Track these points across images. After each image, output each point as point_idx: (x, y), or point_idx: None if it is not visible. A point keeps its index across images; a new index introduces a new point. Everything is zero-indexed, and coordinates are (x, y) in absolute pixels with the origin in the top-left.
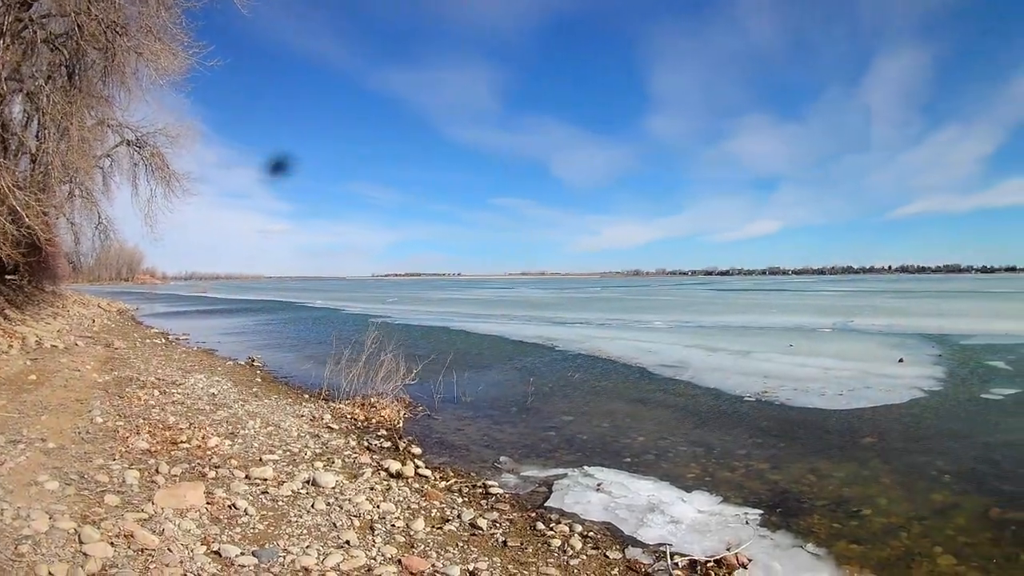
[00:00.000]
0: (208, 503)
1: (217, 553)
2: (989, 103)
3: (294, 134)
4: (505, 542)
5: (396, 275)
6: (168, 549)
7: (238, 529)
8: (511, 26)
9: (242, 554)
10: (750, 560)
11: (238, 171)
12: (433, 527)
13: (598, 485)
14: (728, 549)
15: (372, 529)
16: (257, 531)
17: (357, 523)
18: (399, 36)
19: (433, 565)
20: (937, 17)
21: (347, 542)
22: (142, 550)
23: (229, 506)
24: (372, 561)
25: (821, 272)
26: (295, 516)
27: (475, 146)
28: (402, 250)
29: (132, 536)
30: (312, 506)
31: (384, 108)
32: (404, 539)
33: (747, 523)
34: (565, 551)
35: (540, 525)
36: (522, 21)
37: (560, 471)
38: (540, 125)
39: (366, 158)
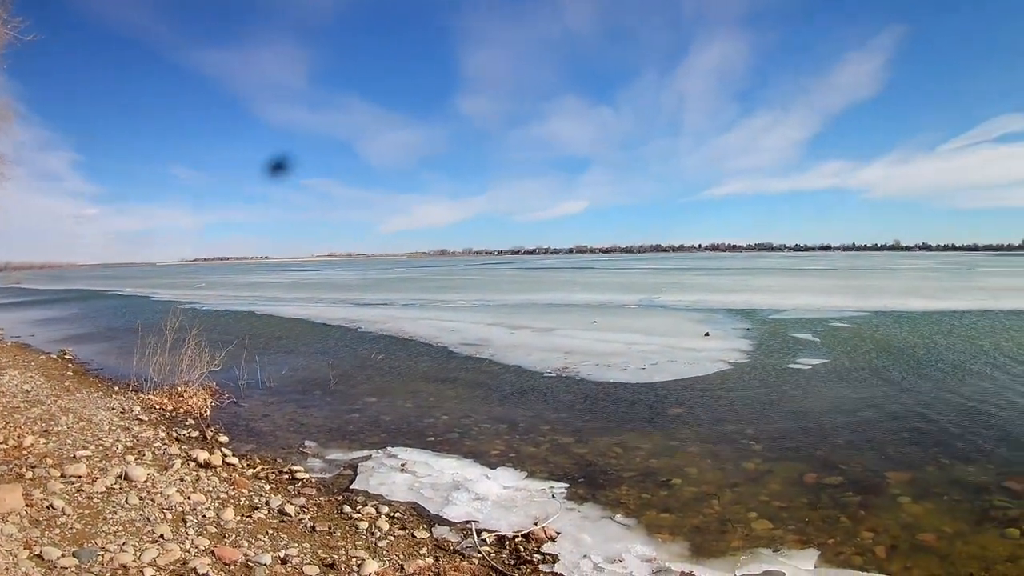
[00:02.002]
0: (27, 505)
1: (40, 556)
2: (807, 92)
3: (109, 113)
4: (314, 527)
5: (206, 260)
6: None
7: (57, 530)
8: (325, 3)
9: (63, 556)
10: (558, 533)
11: (53, 153)
12: (243, 516)
13: (402, 465)
14: (535, 523)
15: (184, 521)
16: (75, 531)
17: (170, 516)
18: (217, 12)
19: (245, 554)
20: (759, 8)
21: (161, 536)
22: None
23: (47, 507)
24: (186, 554)
25: (629, 251)
26: (110, 513)
27: (286, 125)
28: (213, 233)
29: None
30: (126, 501)
31: (199, 86)
32: (215, 529)
33: (553, 497)
34: (373, 533)
35: (347, 508)
36: None
37: (365, 453)
38: (350, 105)
39: (178, 139)
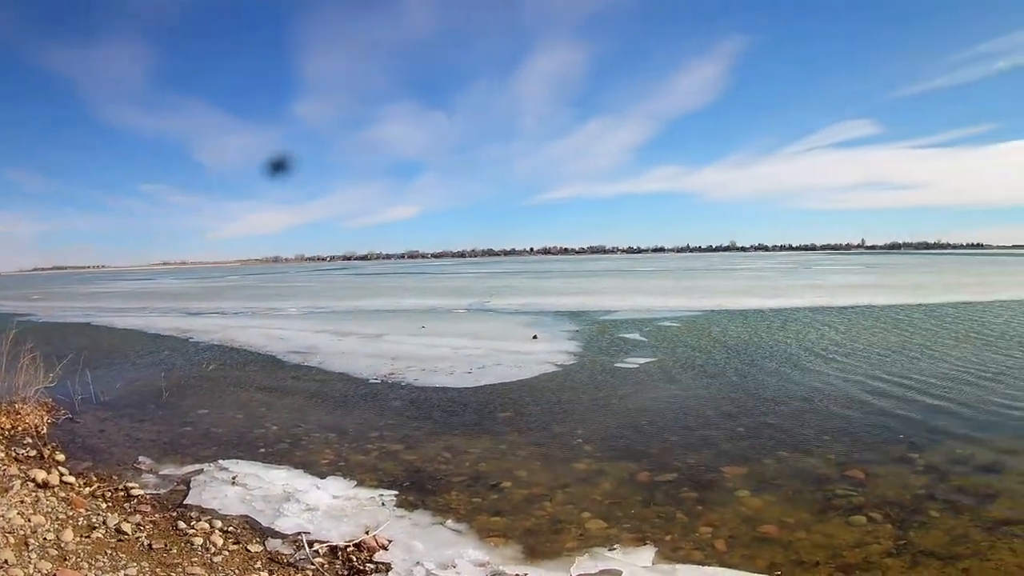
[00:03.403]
0: None
1: None
2: (644, 98)
3: None
4: (151, 545)
5: (44, 269)
6: None
7: None
8: (166, 1)
9: None
10: (390, 541)
11: None
12: (82, 536)
13: (233, 478)
14: (367, 532)
15: (27, 544)
16: None
17: (12, 540)
18: (60, 5)
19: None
20: (600, 16)
21: (5, 561)
22: None
23: None
24: None
25: (461, 255)
26: None
27: (124, 127)
28: (52, 242)
29: None
30: None
31: (41, 85)
32: (56, 552)
33: (384, 505)
34: (208, 549)
35: (182, 524)
36: None
37: (197, 467)
38: (189, 107)
39: (16, 141)
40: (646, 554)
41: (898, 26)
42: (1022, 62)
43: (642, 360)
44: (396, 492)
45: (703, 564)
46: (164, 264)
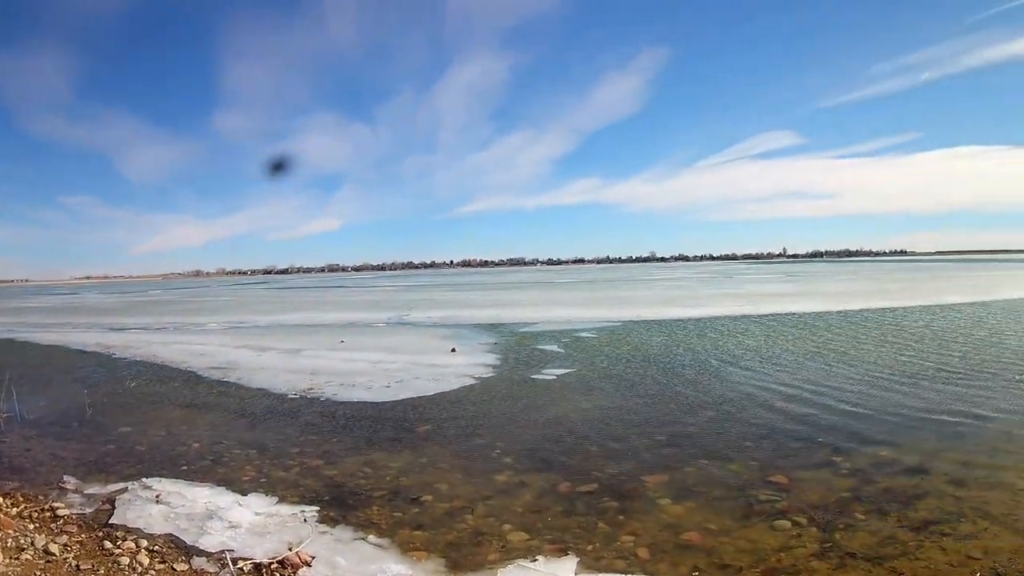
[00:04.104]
0: None
1: None
2: (564, 111)
3: None
4: (79, 566)
5: None
6: None
7: None
8: (97, 9)
9: None
10: (313, 557)
11: None
12: (11, 558)
13: (157, 496)
14: (290, 549)
15: None
16: None
17: None
18: None
19: None
20: (522, 29)
21: None
22: None
23: None
24: None
25: (381, 268)
26: None
27: (47, 138)
28: None
29: None
30: None
31: None
32: None
33: (306, 521)
34: (135, 568)
35: (108, 544)
36: (104, 3)
37: (122, 485)
38: (112, 118)
39: None
40: (568, 564)
41: (821, 38)
42: (947, 73)
43: (560, 371)
44: (318, 508)
45: (626, 573)
46: (88, 278)
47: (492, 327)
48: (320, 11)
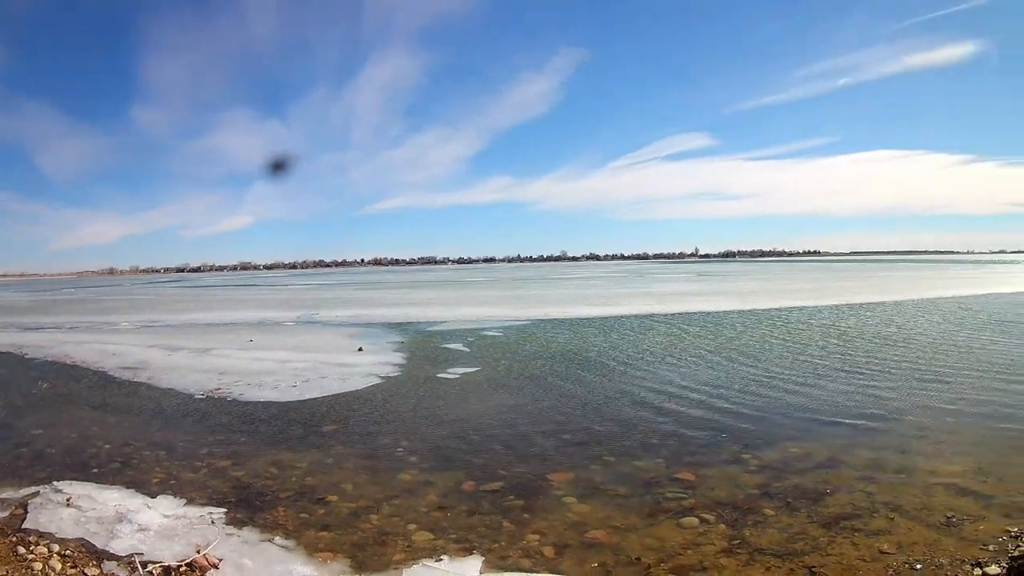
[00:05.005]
0: None
1: None
2: (478, 110)
3: None
4: None
5: None
6: None
7: None
8: None
9: None
10: (220, 560)
11: None
12: None
13: (68, 500)
14: (198, 551)
15: None
16: None
17: None
18: None
19: None
20: (438, 28)
21: None
22: None
23: None
24: None
25: (293, 266)
26: None
27: None
28: None
29: None
30: None
31: None
32: None
33: (213, 523)
34: (47, 573)
35: (21, 549)
36: None
37: (34, 489)
38: (29, 110)
39: None
40: (474, 564)
41: (740, 44)
42: (864, 80)
43: (467, 370)
44: (225, 509)
45: (532, 572)
46: (3, 276)
47: (400, 326)
48: (241, 6)
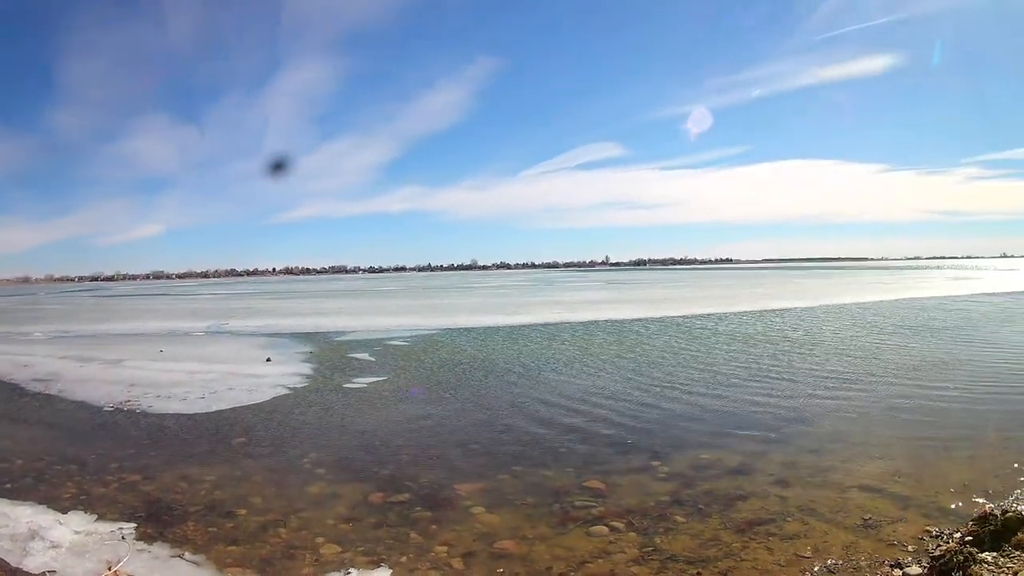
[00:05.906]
0: None
1: None
2: (390, 118)
3: None
4: None
5: None
6: None
7: None
8: None
9: None
10: None
11: None
12: None
13: None
14: (109, 568)
15: None
16: None
17: None
18: None
19: None
20: (353, 34)
21: None
22: None
23: None
24: None
25: (205, 275)
26: None
27: None
28: None
29: None
30: None
31: None
32: None
33: (124, 539)
34: None
35: None
36: None
37: None
38: None
39: None
40: None
41: (653, 54)
42: (778, 90)
43: (374, 380)
44: (136, 525)
45: None
46: None
47: (310, 336)
48: (160, 8)
